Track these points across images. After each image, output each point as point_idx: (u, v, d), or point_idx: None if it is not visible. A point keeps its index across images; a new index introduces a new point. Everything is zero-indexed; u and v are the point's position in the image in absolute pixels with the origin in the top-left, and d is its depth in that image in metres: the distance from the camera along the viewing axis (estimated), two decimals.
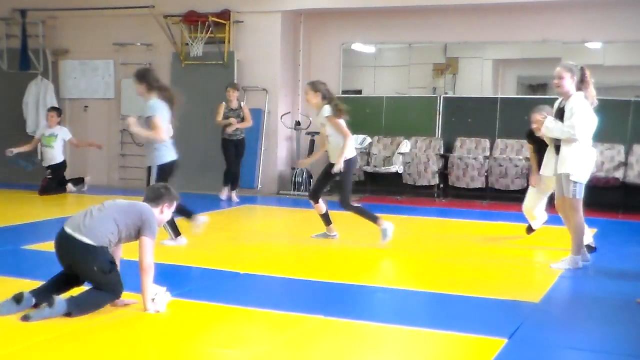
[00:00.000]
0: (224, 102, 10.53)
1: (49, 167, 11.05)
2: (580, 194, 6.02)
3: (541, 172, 6.81)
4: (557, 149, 6.15)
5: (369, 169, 11.33)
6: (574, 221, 6.08)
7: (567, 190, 6.01)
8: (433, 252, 7.00)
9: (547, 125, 6.10)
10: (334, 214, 7.60)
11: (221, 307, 4.81)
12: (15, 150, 11.04)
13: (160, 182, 5.69)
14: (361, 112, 11.88)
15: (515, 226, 8.77)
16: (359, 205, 7.55)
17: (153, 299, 4.52)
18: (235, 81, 11.38)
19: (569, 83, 5.99)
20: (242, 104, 10.67)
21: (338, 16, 11.94)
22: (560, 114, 6.08)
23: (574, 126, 5.88)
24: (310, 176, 11.54)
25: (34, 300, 4.49)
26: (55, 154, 11.08)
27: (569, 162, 5.98)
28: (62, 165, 11.25)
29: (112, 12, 12.09)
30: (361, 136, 11.69)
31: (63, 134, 11.22)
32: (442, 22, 11.41)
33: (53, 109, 11.48)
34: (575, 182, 5.96)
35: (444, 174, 10.99)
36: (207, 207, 9.41)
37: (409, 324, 4.44)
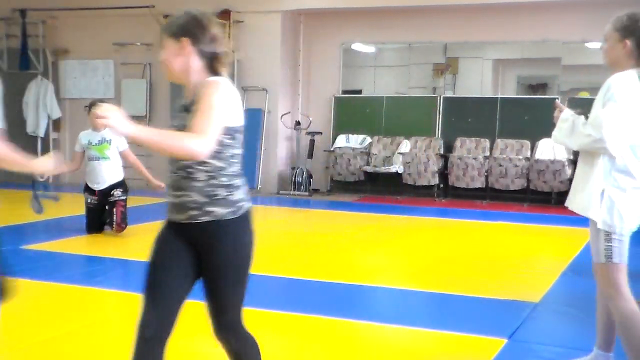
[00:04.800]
0: None
1: (114, 186, 7.51)
2: (621, 254, 3.26)
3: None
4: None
5: (369, 169, 11.32)
6: (612, 306, 3.37)
7: (597, 247, 3.31)
8: (433, 252, 7.00)
9: (559, 125, 3.42)
10: (332, 214, 7.59)
11: None
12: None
13: None
14: (361, 112, 11.90)
15: (515, 226, 8.77)
16: None
17: None
18: (235, 80, 11.34)
19: (619, 51, 3.27)
20: None
21: (338, 16, 11.94)
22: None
23: (599, 123, 3.15)
24: (310, 176, 11.54)
25: None
26: (114, 168, 7.56)
27: (593, 194, 3.25)
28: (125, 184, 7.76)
29: (112, 12, 12.09)
30: (361, 136, 11.70)
31: (116, 139, 7.55)
32: (442, 22, 11.41)
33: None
34: (610, 236, 3.24)
35: (444, 174, 10.98)
36: None
37: (409, 324, 4.44)
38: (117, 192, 7.42)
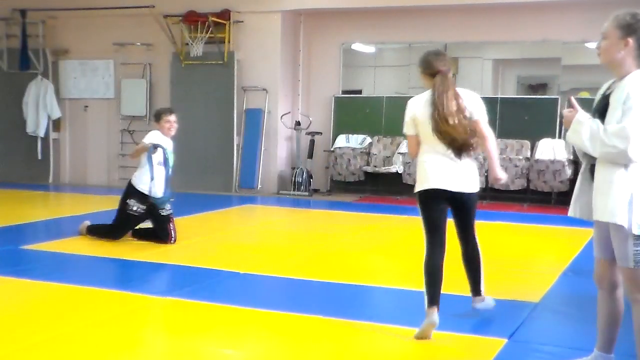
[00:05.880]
0: None
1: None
2: None
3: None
4: (593, 169, 3.34)
5: (369, 169, 11.32)
6: (638, 309, 3.38)
7: (625, 252, 3.22)
8: None
9: (575, 128, 3.26)
10: (332, 214, 7.58)
11: (221, 307, 4.80)
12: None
13: None
14: (361, 112, 11.89)
15: (515, 226, 8.77)
16: None
17: None
18: (235, 80, 11.36)
19: (619, 49, 3.19)
20: None
21: (338, 16, 11.93)
22: (603, 108, 3.26)
23: (626, 135, 3.06)
24: (310, 176, 11.54)
25: None
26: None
27: (620, 200, 3.15)
28: None
29: (112, 12, 12.08)
30: (361, 136, 11.70)
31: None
32: (442, 22, 11.41)
33: (170, 111, 7.14)
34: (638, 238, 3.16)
35: None
36: (206, 207, 9.41)
37: (408, 324, 4.43)
38: (168, 205, 6.94)
